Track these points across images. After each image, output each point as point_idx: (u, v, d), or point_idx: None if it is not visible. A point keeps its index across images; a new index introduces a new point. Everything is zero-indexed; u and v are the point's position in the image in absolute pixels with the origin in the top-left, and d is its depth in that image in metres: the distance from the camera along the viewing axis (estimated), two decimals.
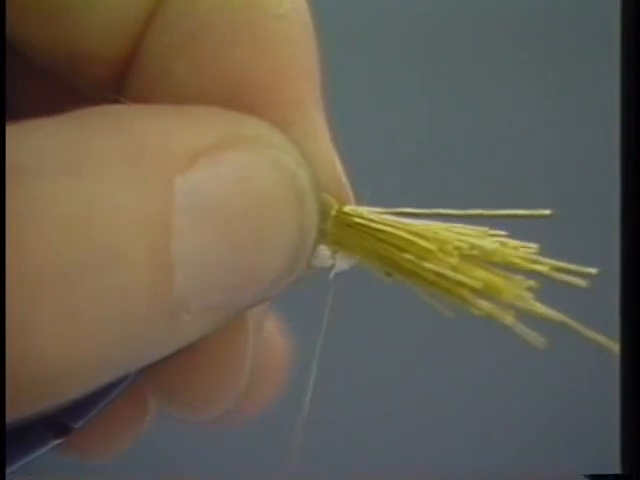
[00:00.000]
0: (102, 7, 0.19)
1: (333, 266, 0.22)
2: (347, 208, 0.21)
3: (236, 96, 0.20)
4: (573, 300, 0.21)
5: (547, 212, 0.21)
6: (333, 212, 0.21)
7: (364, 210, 0.22)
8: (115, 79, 0.21)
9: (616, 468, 0.53)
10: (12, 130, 0.16)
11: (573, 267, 0.21)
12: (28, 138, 0.16)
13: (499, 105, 0.59)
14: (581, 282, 0.21)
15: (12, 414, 0.16)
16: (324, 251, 0.22)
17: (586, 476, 0.55)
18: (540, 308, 0.21)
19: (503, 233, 0.22)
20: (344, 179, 0.22)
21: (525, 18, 0.66)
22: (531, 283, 0.21)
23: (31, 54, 0.20)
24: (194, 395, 0.23)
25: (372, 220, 0.21)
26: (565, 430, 0.62)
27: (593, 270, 0.21)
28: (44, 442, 0.23)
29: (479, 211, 0.21)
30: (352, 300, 0.22)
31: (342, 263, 0.22)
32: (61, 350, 0.16)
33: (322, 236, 0.21)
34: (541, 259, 0.21)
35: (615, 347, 0.21)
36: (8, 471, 0.20)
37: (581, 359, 0.68)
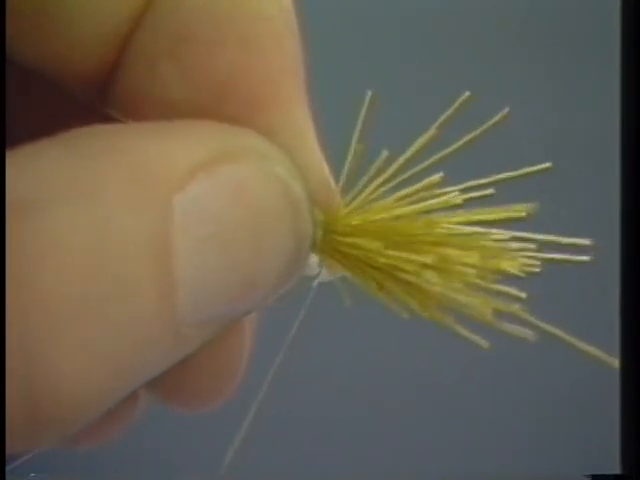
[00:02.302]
0: (92, 8, 0.19)
1: (319, 274, 0.22)
2: (334, 215, 0.22)
3: (223, 100, 0.19)
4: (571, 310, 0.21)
5: (548, 165, 0.21)
6: (320, 219, 0.21)
7: (351, 218, 0.22)
8: (104, 80, 0.20)
9: (616, 468, 0.53)
10: (13, 158, 0.16)
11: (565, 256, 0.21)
12: (28, 168, 0.16)
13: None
14: (582, 258, 0.21)
15: (31, 445, 0.16)
16: (312, 259, 0.22)
17: (586, 476, 0.55)
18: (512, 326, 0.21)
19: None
20: (332, 183, 0.21)
21: (524, 17, 0.66)
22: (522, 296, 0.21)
23: (21, 56, 0.20)
24: (189, 393, 0.24)
25: (359, 227, 0.21)
26: (565, 430, 0.62)
27: (587, 241, 0.21)
28: None
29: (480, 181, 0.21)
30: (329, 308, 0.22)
31: (328, 273, 0.22)
32: (78, 385, 0.16)
33: (312, 244, 0.21)
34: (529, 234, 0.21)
35: (615, 362, 0.21)
36: (7, 469, 0.20)
37: (581, 360, 0.67)
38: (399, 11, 0.66)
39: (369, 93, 0.22)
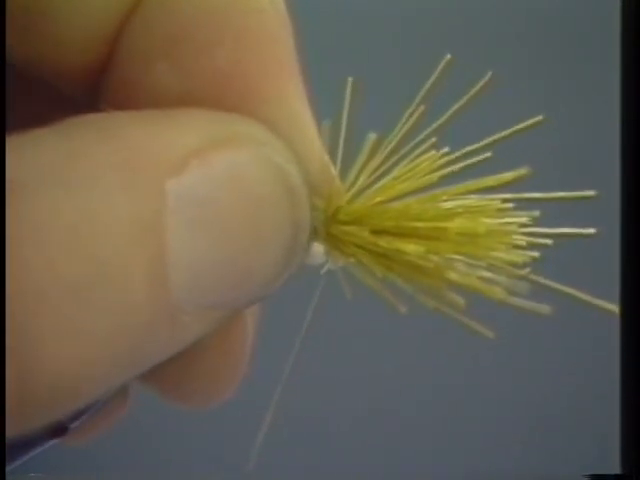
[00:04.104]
0: (80, 6, 0.19)
1: (325, 263, 0.22)
2: (335, 203, 0.22)
3: (221, 96, 0.19)
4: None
5: (540, 118, 0.21)
6: (322, 207, 0.21)
7: (353, 204, 0.22)
8: (96, 77, 0.21)
9: (616, 468, 0.53)
10: (10, 144, 0.16)
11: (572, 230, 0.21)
12: (24, 154, 0.16)
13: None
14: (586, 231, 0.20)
15: (22, 427, 0.16)
16: (317, 248, 0.22)
17: (586, 476, 0.55)
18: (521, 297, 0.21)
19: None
20: (333, 171, 0.21)
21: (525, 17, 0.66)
22: (534, 256, 0.21)
23: (11, 55, 0.20)
24: (191, 389, 0.23)
25: (361, 212, 0.21)
26: (565, 430, 0.62)
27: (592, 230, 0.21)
28: (42, 441, 0.23)
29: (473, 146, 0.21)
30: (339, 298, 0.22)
31: (334, 261, 0.22)
32: (67, 366, 0.16)
33: (314, 233, 0.21)
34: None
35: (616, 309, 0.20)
36: (7, 470, 0.20)
37: (581, 361, 0.68)
38: (408, 9, 0.66)
39: (350, 80, 0.22)
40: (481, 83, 0.21)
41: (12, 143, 0.16)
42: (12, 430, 0.16)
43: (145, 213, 0.16)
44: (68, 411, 0.17)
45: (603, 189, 0.20)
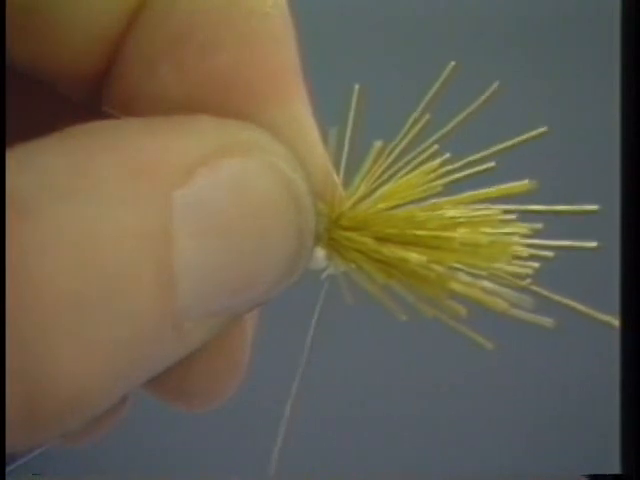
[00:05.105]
0: (84, 8, 0.19)
1: (326, 268, 0.22)
2: (338, 209, 0.22)
3: (224, 99, 0.19)
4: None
5: (543, 129, 0.21)
6: (325, 213, 0.21)
7: (356, 210, 0.22)
8: (99, 79, 0.21)
9: (616, 468, 0.53)
10: (13, 156, 0.16)
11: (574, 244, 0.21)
12: (26, 165, 0.16)
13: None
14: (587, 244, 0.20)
15: (33, 441, 0.16)
16: (318, 253, 0.22)
17: (586, 476, 0.55)
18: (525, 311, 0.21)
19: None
20: (335, 176, 0.21)
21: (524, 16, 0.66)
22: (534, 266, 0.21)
23: (14, 58, 0.20)
24: (192, 391, 0.24)
25: (364, 219, 0.21)
26: (565, 430, 0.62)
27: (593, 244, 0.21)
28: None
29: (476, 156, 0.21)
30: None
31: (336, 266, 0.22)
32: (77, 380, 0.16)
33: (317, 239, 0.21)
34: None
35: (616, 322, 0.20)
36: (7, 470, 0.20)
37: (582, 361, 0.68)
38: (408, 10, 0.66)
39: (357, 86, 0.22)
40: (487, 93, 0.21)
41: (14, 153, 0.16)
42: (23, 444, 0.16)
43: (152, 222, 0.16)
44: (77, 423, 0.17)
45: (604, 202, 0.20)
